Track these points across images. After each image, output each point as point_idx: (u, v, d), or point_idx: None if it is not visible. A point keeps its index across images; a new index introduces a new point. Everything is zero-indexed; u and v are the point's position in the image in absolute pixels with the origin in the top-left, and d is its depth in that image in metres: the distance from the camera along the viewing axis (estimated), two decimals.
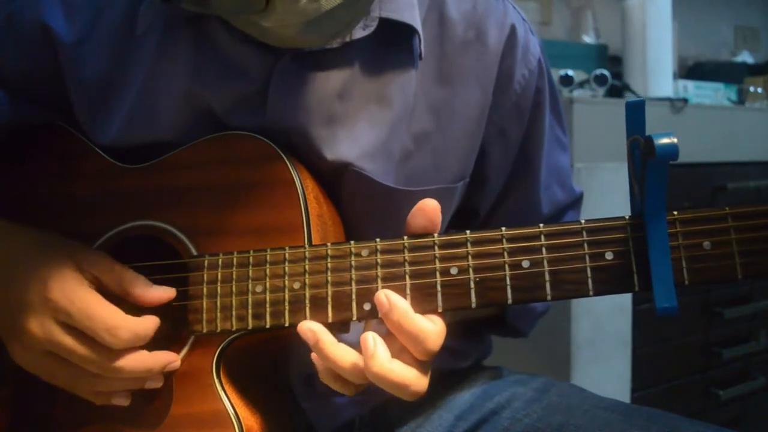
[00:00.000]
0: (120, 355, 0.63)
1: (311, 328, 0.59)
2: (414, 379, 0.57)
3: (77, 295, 0.63)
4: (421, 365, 0.59)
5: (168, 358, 0.66)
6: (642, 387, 1.74)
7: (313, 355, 0.59)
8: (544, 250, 0.58)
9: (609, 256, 0.57)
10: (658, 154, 0.47)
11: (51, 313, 0.63)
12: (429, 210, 0.61)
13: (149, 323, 0.65)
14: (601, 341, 1.64)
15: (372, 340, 0.57)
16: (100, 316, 0.62)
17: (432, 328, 0.58)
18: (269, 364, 0.76)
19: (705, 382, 1.91)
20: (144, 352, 0.64)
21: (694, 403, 1.89)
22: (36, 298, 0.63)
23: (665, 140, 0.47)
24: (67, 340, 0.63)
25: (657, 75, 2.04)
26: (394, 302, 0.58)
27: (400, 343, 0.58)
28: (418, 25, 0.73)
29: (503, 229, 0.59)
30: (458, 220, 0.84)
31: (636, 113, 0.51)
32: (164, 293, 0.67)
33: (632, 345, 1.69)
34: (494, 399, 0.82)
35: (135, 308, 0.66)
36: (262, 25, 0.65)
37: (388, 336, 0.59)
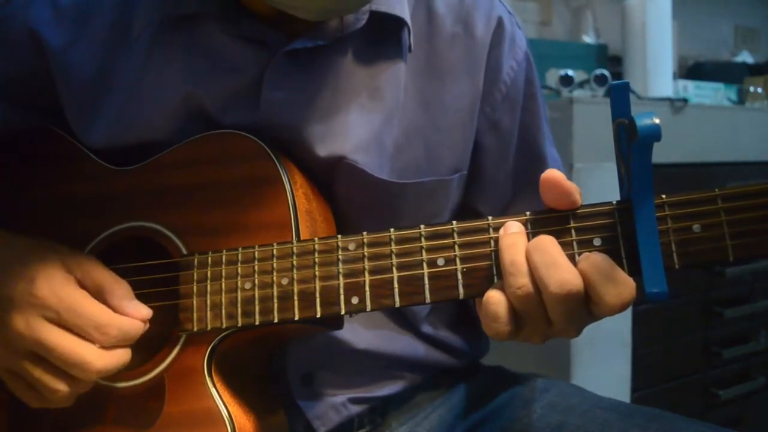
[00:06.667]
0: (106, 353, 0.63)
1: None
2: None
3: (65, 291, 0.63)
4: None
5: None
6: (642, 387, 1.74)
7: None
8: (531, 237, 0.57)
9: (597, 242, 0.56)
10: (640, 135, 0.47)
11: (38, 310, 0.62)
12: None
13: (139, 322, 0.64)
14: (601, 341, 1.64)
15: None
16: (90, 313, 0.62)
17: None
18: (264, 363, 0.76)
19: (705, 382, 1.90)
20: (128, 352, 0.64)
21: (694, 403, 1.89)
22: (23, 296, 0.63)
23: (647, 121, 0.47)
24: (53, 336, 0.62)
25: (657, 75, 2.05)
26: None
27: None
28: (407, 17, 0.74)
29: (489, 218, 0.59)
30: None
31: (620, 95, 0.51)
32: (138, 313, 0.65)
33: (632, 345, 1.69)
34: (494, 399, 0.82)
35: None
36: None
37: None
